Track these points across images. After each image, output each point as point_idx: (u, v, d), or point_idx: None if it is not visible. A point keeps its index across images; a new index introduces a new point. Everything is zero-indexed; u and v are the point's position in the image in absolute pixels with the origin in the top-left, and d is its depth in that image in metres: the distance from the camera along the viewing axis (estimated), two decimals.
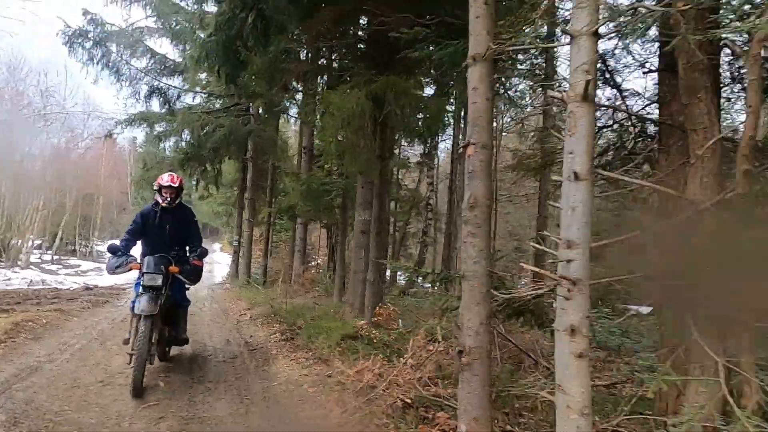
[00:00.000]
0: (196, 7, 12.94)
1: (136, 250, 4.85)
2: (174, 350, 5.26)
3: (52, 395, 3.87)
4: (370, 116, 5.00)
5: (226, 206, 24.38)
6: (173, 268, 4.60)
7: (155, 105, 14.76)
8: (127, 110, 14.51)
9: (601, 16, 2.16)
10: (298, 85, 8.56)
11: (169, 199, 4.78)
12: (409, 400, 3.33)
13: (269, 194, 15.25)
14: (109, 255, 4.73)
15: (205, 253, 4.96)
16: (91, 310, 8.73)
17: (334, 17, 5.22)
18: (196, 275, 4.88)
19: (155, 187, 4.94)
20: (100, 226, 34.48)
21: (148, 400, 3.91)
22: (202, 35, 10.78)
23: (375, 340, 4.96)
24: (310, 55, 7.59)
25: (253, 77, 7.71)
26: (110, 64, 12.35)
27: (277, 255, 18.69)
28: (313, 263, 17.44)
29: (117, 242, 4.76)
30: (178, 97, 15.02)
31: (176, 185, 4.83)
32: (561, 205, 2.13)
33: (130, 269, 4.54)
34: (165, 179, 4.85)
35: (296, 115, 12.41)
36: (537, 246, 6.54)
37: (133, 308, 4.45)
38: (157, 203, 4.84)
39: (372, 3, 4.79)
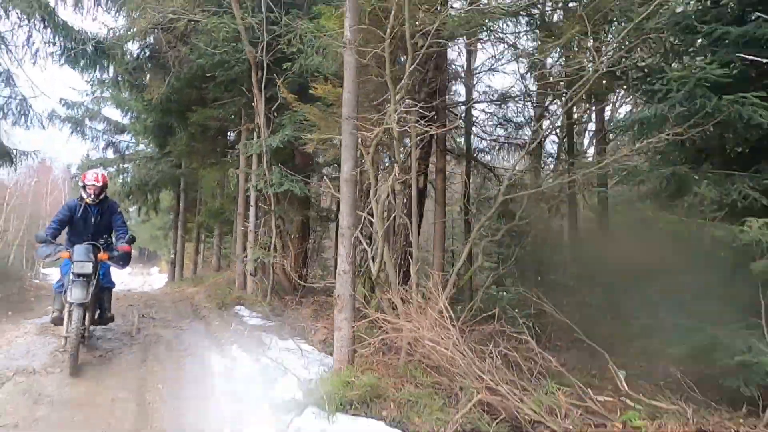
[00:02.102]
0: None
1: (61, 238, 4.99)
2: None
3: None
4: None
5: (164, 230, 29.38)
6: (102, 255, 4.72)
7: (109, 153, 20.39)
8: (89, 157, 19.72)
9: None
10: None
11: (93, 195, 4.89)
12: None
13: (197, 217, 20.74)
14: (38, 244, 4.72)
15: (133, 239, 5.08)
16: None
17: (213, 134, 11.53)
18: (125, 259, 4.97)
19: (80, 184, 5.03)
20: None
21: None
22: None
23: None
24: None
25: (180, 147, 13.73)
26: (78, 128, 17.85)
27: (207, 266, 24.21)
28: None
29: (42, 232, 4.73)
30: (127, 147, 20.64)
31: (100, 184, 4.90)
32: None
33: (60, 258, 4.60)
34: (89, 178, 4.91)
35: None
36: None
37: (58, 289, 4.72)
38: (81, 198, 4.95)
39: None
